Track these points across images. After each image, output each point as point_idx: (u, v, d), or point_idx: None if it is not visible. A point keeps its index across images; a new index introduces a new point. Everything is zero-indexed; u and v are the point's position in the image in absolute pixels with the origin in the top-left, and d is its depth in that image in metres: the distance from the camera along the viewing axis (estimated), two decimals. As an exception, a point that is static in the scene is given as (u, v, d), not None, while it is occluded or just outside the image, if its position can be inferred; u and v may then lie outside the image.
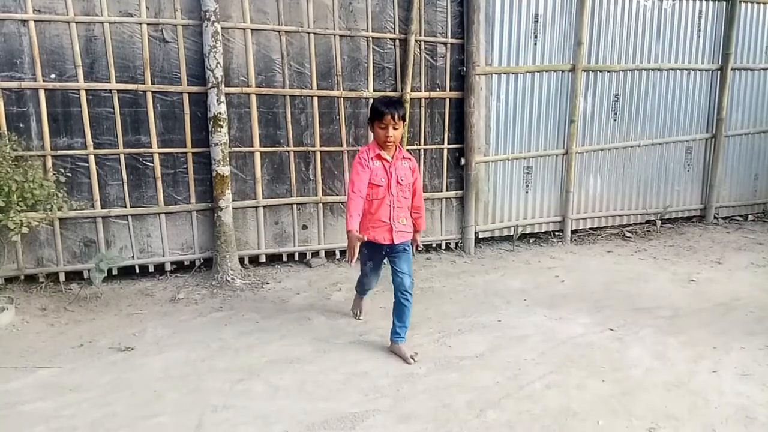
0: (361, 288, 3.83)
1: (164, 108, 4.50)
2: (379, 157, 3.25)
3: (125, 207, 4.50)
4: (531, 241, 5.94)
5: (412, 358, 3.23)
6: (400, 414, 2.71)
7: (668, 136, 6.35)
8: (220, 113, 4.50)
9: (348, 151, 5.07)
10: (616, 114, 6.05)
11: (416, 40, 5.08)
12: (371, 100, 5.05)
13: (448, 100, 5.33)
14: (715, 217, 6.78)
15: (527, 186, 5.81)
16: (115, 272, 4.51)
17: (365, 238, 3.14)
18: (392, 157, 3.28)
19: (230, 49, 4.58)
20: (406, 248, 3.38)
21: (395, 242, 3.30)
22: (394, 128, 3.16)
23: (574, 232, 6.09)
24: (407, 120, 2.96)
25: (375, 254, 3.45)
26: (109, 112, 4.36)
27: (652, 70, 6.10)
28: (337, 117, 5.00)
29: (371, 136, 3.40)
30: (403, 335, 3.32)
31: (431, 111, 5.30)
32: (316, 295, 4.38)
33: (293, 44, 4.77)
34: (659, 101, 6.21)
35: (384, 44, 5.04)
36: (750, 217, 6.96)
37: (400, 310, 3.31)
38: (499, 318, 3.91)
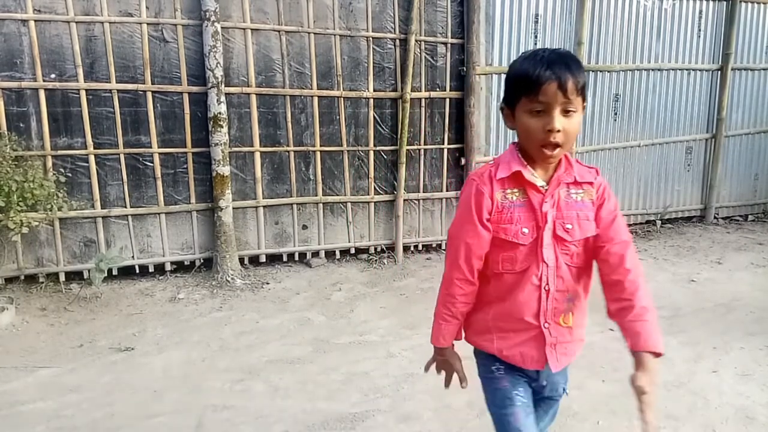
0: None
1: (164, 108, 4.50)
2: (518, 180, 1.48)
3: (125, 207, 4.50)
4: (531, 241, 5.93)
5: None
6: (400, 414, 2.71)
7: (668, 136, 6.35)
8: (220, 113, 4.50)
9: (348, 151, 5.07)
10: (616, 114, 6.05)
11: (416, 40, 5.08)
12: (371, 101, 5.06)
13: (448, 100, 5.32)
14: (715, 217, 6.77)
15: (527, 186, 5.80)
16: (115, 272, 4.51)
17: (465, 384, 1.59)
18: (549, 181, 1.49)
19: (230, 49, 4.58)
20: (562, 391, 1.67)
21: (551, 369, 1.53)
22: (566, 113, 1.39)
23: (574, 232, 6.08)
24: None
25: (515, 381, 1.56)
26: (109, 112, 4.36)
27: (652, 70, 6.09)
28: (337, 117, 4.99)
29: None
30: None
31: (431, 111, 5.29)
32: (316, 295, 4.38)
33: (293, 44, 4.77)
34: (659, 101, 6.20)
35: (384, 44, 5.04)
36: (750, 217, 6.95)
37: None
38: (499, 318, 3.90)
